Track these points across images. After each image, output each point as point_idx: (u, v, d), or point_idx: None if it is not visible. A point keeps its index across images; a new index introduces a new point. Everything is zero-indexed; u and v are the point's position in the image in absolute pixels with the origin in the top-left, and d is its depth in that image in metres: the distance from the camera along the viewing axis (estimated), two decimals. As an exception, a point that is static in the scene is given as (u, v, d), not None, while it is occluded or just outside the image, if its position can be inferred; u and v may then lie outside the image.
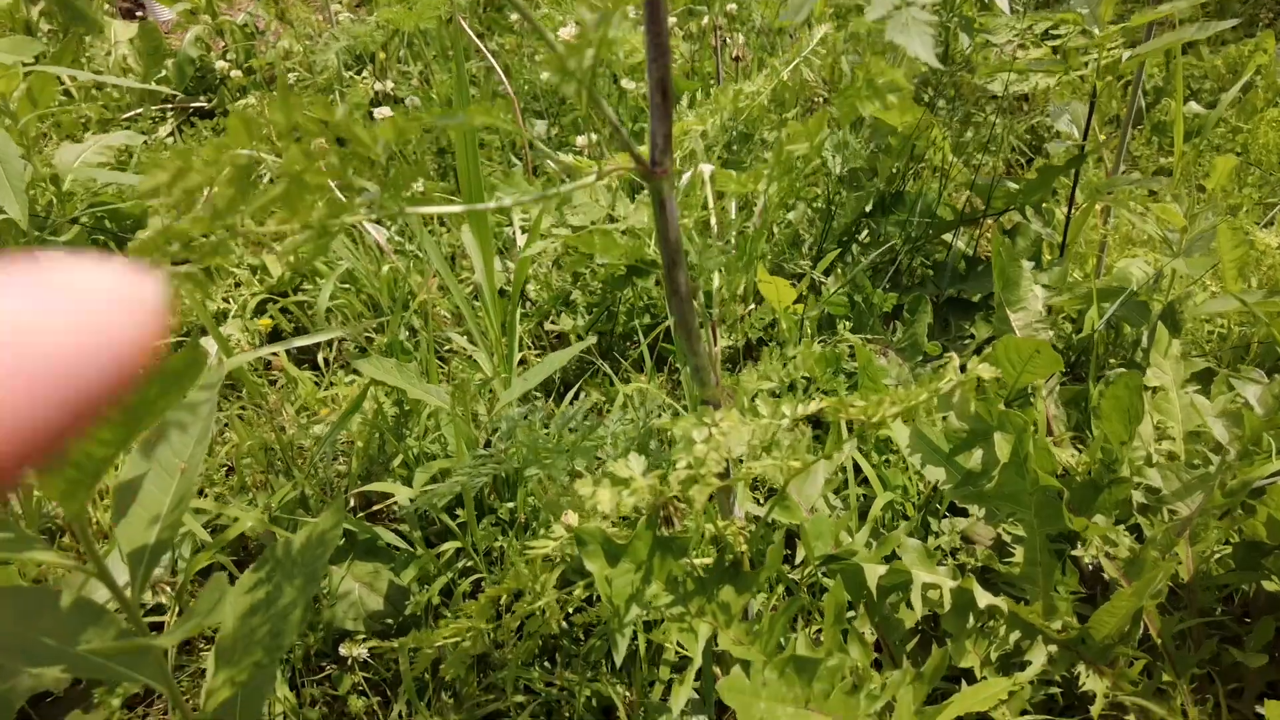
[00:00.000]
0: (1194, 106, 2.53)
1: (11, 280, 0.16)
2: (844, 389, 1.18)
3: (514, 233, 1.75)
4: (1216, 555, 1.06)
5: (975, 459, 1.03)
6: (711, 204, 0.66)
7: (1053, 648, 0.95)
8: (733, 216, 1.01)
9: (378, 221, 1.89)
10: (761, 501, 1.11)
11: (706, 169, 0.66)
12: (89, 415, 0.16)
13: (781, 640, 0.78)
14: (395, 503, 1.20)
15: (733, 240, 0.67)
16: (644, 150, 0.55)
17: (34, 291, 0.16)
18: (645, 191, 0.70)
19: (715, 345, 0.70)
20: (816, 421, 1.37)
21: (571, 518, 0.72)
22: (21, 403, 0.15)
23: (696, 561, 0.74)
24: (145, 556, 0.66)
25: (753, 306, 0.75)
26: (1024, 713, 0.93)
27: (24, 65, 1.52)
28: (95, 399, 0.16)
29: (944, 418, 1.01)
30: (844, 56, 1.87)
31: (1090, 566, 1.12)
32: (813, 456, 0.65)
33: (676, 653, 0.99)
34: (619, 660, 0.67)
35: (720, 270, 0.72)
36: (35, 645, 0.67)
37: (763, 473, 0.62)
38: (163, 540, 0.67)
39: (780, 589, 1.02)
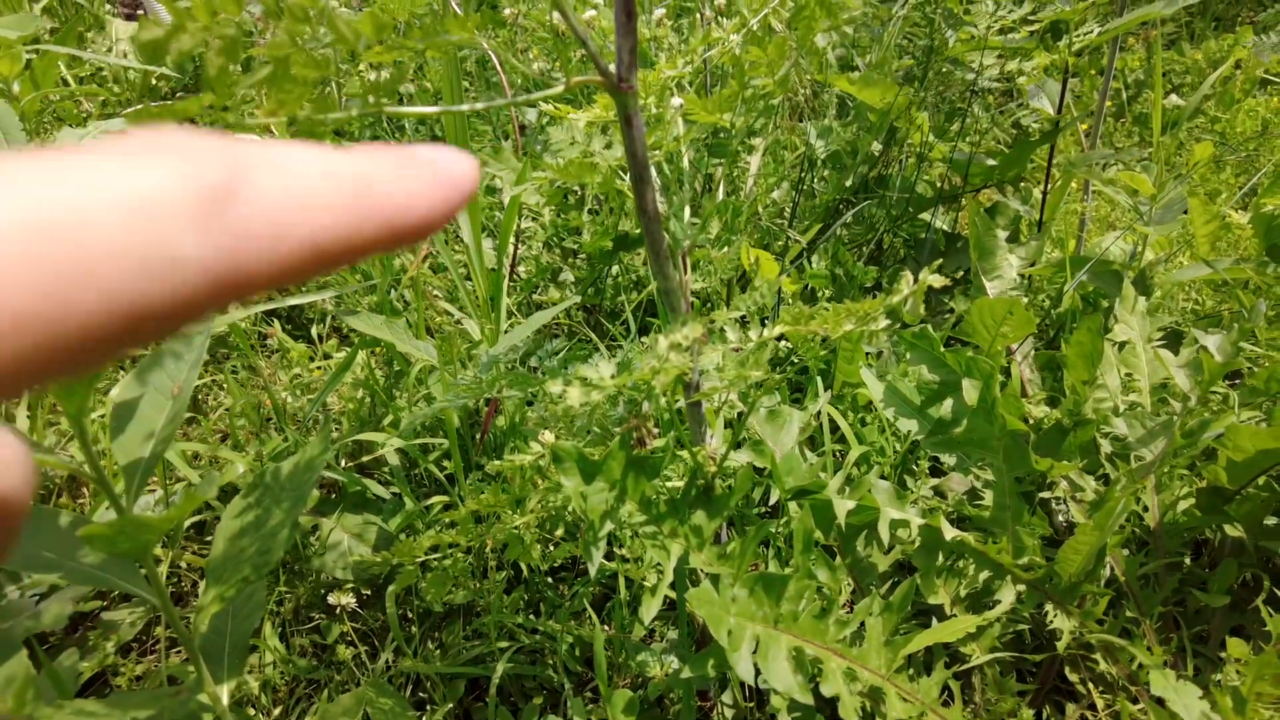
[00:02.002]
0: (1175, 100, 2.58)
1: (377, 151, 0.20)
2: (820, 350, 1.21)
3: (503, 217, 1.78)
4: (1182, 506, 1.09)
5: (946, 408, 1.06)
6: (681, 133, 0.70)
7: (1021, 587, 0.98)
8: (721, 196, 1.04)
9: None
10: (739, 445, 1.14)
11: (676, 101, 0.70)
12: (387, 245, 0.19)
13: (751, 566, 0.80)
14: (385, 462, 1.23)
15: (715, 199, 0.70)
16: (611, 68, 0.58)
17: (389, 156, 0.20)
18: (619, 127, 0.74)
19: (686, 274, 0.74)
20: (796, 385, 1.40)
21: (548, 436, 0.76)
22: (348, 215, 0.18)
23: (669, 485, 0.77)
24: (140, 469, 0.69)
25: (727, 249, 0.78)
26: (993, 649, 0.96)
27: (26, 48, 1.56)
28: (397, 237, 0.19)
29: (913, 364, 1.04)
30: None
31: (1064, 522, 1.15)
32: (784, 373, 0.69)
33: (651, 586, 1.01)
34: (593, 572, 0.70)
35: (693, 225, 0.76)
36: (37, 557, 0.70)
37: (730, 387, 0.65)
38: (156, 454, 0.70)
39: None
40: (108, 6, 3.15)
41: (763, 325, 0.71)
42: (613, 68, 0.59)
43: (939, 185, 1.69)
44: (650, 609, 0.70)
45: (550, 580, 1.15)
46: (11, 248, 0.14)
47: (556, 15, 1.68)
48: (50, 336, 0.15)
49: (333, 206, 0.18)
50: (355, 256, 0.19)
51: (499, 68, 1.93)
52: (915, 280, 0.72)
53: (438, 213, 0.20)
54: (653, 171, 0.64)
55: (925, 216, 1.70)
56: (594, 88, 0.59)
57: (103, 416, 1.19)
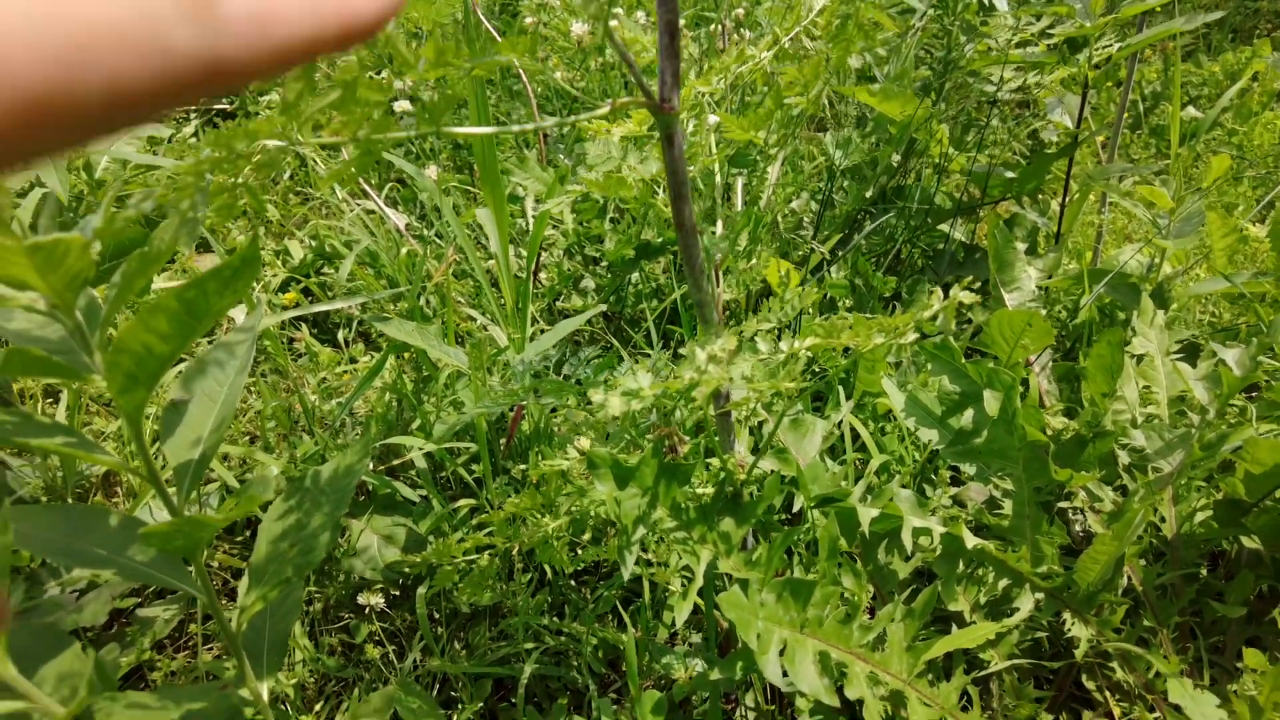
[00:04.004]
0: (1192, 112, 2.59)
1: None
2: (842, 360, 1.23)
3: (527, 224, 1.81)
4: (1199, 518, 1.10)
5: (967, 419, 1.07)
6: (715, 151, 0.72)
7: (1039, 595, 1.00)
8: (740, 206, 1.07)
9: (395, 206, 1.96)
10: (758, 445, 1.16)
11: (713, 119, 0.72)
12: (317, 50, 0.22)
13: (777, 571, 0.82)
14: (413, 466, 1.25)
15: (737, 210, 0.72)
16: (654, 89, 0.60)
17: None
18: (654, 142, 0.76)
19: (718, 286, 0.76)
20: (817, 394, 1.42)
21: (584, 443, 0.78)
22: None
23: (698, 491, 0.79)
24: (190, 471, 0.72)
25: (755, 261, 0.80)
26: (1012, 656, 0.98)
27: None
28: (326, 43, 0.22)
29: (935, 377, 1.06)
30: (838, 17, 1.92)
31: (1081, 532, 1.17)
32: (806, 382, 0.71)
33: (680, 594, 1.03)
34: (626, 576, 0.72)
35: (725, 238, 0.78)
36: (88, 553, 0.72)
37: (761, 398, 0.67)
38: (205, 456, 0.72)
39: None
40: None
41: (792, 336, 0.73)
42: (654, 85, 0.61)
43: (958, 197, 1.71)
44: (682, 612, 0.72)
45: (574, 583, 1.18)
46: (34, 25, 0.17)
47: (576, 28, 1.69)
48: (60, 106, 0.18)
49: (302, 10, 0.21)
50: (317, 53, 0.22)
51: (523, 77, 1.96)
52: (944, 295, 0.74)
53: (384, 17, 0.22)
54: (690, 189, 0.67)
55: (944, 227, 1.71)
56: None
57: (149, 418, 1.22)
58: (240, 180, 0.52)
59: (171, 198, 0.50)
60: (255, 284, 1.70)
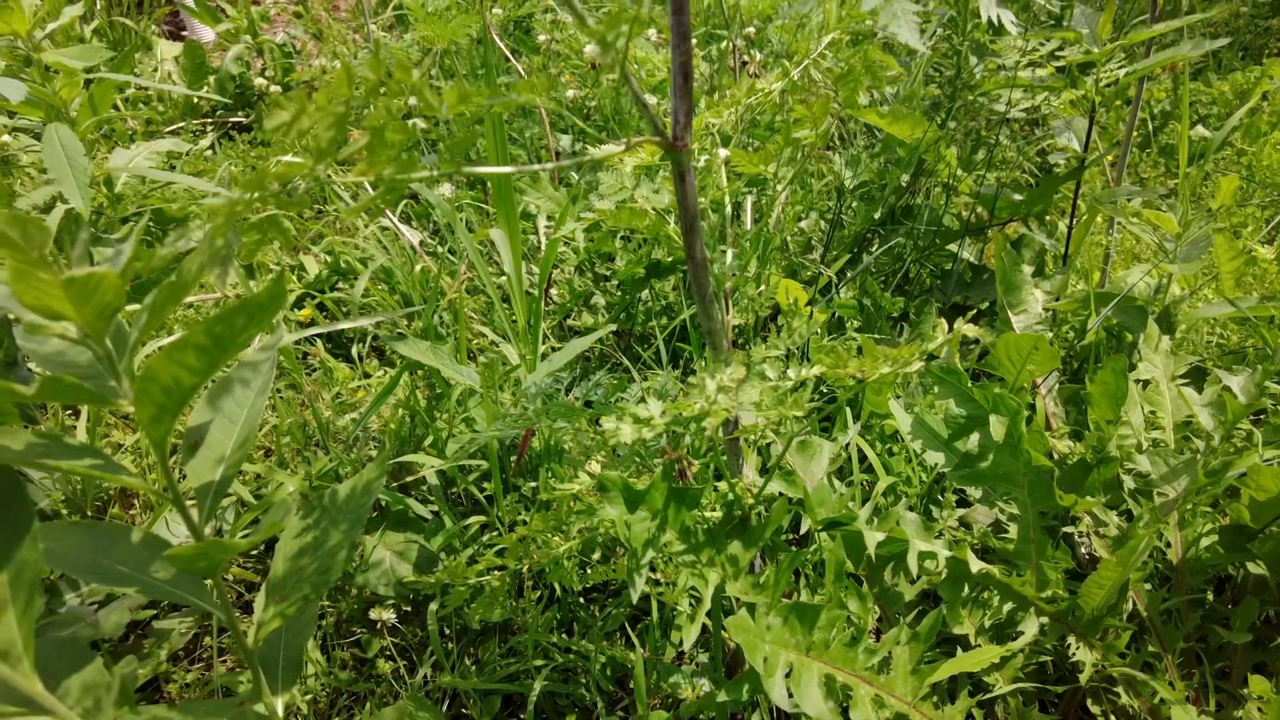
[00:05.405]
0: (1201, 131, 2.59)
1: None
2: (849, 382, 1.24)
3: (538, 240, 1.83)
4: (1205, 543, 1.11)
5: (972, 442, 1.09)
6: (726, 185, 0.74)
7: (1044, 619, 1.01)
8: (749, 225, 1.08)
9: (408, 223, 1.98)
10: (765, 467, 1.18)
11: (723, 152, 0.74)
12: None
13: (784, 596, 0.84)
14: (425, 482, 1.27)
15: (746, 230, 0.74)
16: (667, 125, 0.62)
17: None
18: (666, 173, 0.78)
19: (728, 314, 0.77)
20: (826, 417, 1.43)
21: (595, 466, 0.79)
22: None
23: (707, 515, 0.81)
24: (211, 492, 0.74)
25: (763, 288, 0.82)
26: (1016, 680, 0.98)
27: (85, 74, 1.63)
28: None
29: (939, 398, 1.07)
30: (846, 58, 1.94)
31: (1086, 555, 1.18)
32: (812, 406, 0.72)
33: (688, 615, 1.05)
34: (635, 598, 0.73)
35: (735, 265, 0.80)
36: (111, 570, 0.74)
37: (770, 424, 0.69)
38: (226, 477, 0.74)
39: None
40: (154, 27, 3.24)
41: (801, 361, 0.74)
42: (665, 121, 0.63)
43: (966, 217, 1.72)
44: (690, 634, 0.73)
45: (582, 600, 1.19)
46: None
47: (589, 49, 1.71)
48: None
49: None
50: None
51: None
52: (950, 320, 0.75)
53: None
54: (701, 221, 0.68)
55: (952, 247, 1.73)
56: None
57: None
58: (268, 214, 0.53)
59: (206, 233, 0.52)
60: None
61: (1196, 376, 1.30)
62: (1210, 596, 1.11)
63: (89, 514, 1.25)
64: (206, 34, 3.42)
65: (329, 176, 0.49)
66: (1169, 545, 1.09)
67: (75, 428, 1.32)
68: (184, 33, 3.55)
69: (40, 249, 0.51)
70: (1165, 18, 1.62)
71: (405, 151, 0.52)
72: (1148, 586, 1.07)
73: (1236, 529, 1.05)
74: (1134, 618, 1.04)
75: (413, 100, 0.51)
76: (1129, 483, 1.09)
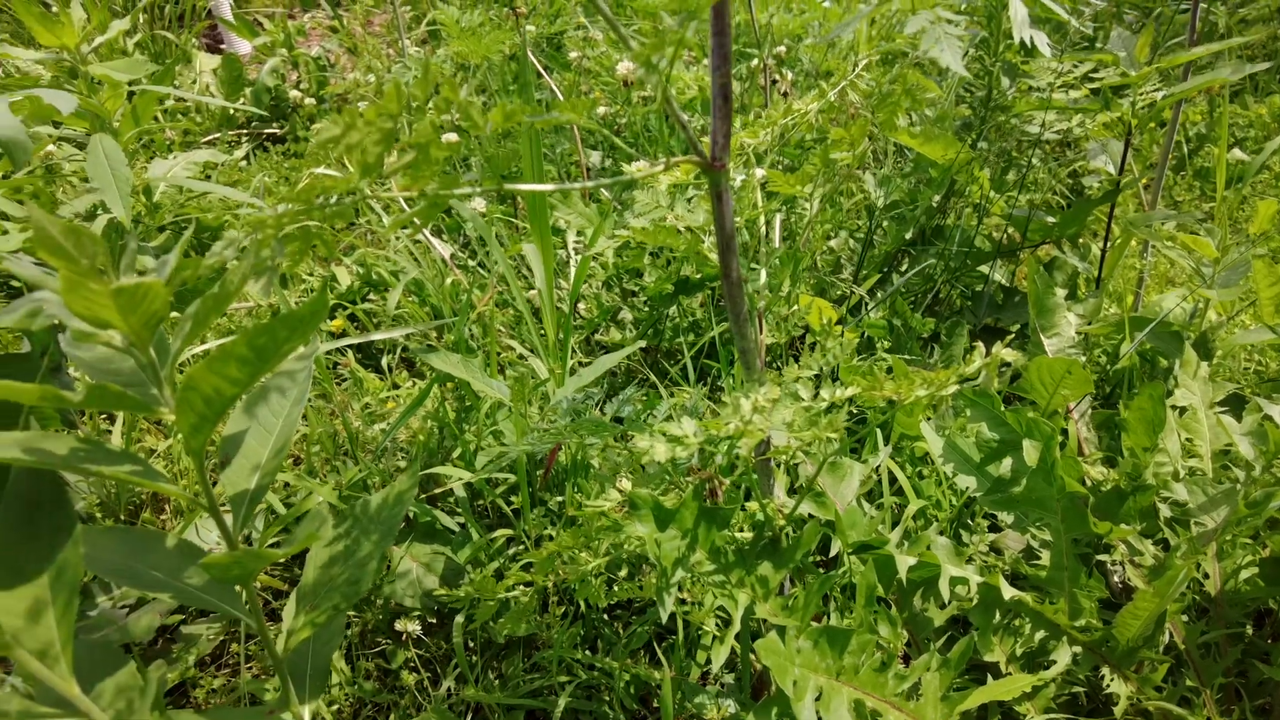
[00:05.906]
0: (1238, 154, 2.56)
1: None
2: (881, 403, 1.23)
3: (567, 254, 1.84)
4: (1244, 575, 1.08)
5: (1005, 467, 1.07)
6: (761, 204, 0.74)
7: (1077, 648, 0.99)
8: (777, 243, 1.08)
9: (440, 236, 2.00)
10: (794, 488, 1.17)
11: (760, 172, 0.74)
12: None
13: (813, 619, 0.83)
14: (452, 494, 1.28)
15: (775, 249, 0.74)
16: (705, 144, 0.62)
17: None
18: (702, 191, 0.78)
19: (761, 333, 0.77)
20: (857, 439, 1.42)
21: (625, 484, 0.79)
22: None
23: (737, 535, 0.80)
24: (246, 500, 0.74)
25: (796, 307, 0.82)
26: (1048, 710, 0.97)
27: (128, 86, 1.67)
28: None
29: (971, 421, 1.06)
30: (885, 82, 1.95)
31: (1119, 584, 1.15)
32: (846, 429, 0.72)
33: (715, 635, 1.04)
34: (664, 617, 0.73)
35: (768, 282, 0.80)
36: (145, 575, 0.75)
37: (802, 445, 0.69)
38: (262, 486, 0.75)
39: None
40: (194, 40, 3.31)
41: (833, 381, 0.74)
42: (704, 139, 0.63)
43: (997, 239, 1.71)
44: (720, 655, 0.73)
45: (606, 617, 1.18)
46: None
47: (621, 67, 1.71)
48: None
49: None
50: None
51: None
52: (984, 342, 0.75)
53: None
54: (737, 240, 0.68)
55: (983, 269, 1.71)
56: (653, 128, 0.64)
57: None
58: (312, 225, 0.54)
59: (251, 244, 0.53)
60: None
61: (1235, 404, 1.27)
62: (1250, 630, 1.08)
63: (122, 518, 1.26)
64: (244, 47, 3.49)
65: (370, 191, 0.50)
66: (1207, 576, 1.06)
67: (110, 432, 1.34)
68: (222, 45, 3.62)
69: (92, 259, 0.52)
70: (1202, 40, 1.61)
71: (447, 167, 0.53)
72: (1185, 618, 1.05)
73: (1277, 561, 1.02)
74: (1170, 650, 1.02)
75: (448, 115, 0.52)
76: (1165, 511, 1.07)
